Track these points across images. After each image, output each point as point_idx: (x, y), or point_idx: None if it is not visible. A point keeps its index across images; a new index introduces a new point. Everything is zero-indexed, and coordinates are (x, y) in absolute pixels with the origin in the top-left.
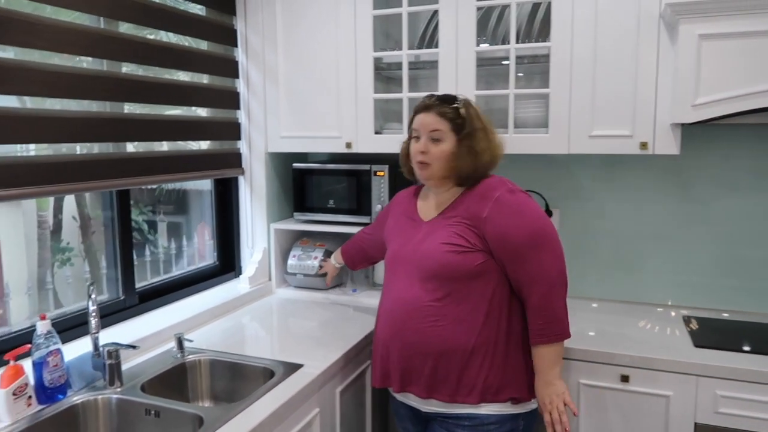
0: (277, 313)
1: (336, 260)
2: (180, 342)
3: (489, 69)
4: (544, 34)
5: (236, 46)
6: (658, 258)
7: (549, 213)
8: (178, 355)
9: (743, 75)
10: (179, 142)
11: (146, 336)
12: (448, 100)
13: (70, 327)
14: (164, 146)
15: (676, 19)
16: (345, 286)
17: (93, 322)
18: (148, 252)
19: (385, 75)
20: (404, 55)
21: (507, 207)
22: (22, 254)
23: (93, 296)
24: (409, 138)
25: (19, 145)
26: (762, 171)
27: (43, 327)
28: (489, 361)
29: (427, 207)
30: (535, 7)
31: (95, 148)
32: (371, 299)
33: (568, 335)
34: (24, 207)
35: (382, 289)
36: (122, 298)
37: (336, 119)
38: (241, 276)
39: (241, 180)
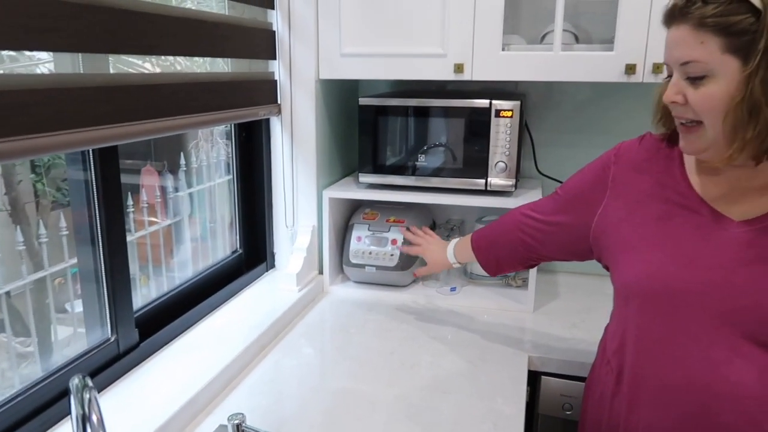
0: (347, 335)
1: (456, 255)
2: None
3: None
4: None
5: None
6: None
7: None
8: None
9: None
10: (164, 62)
11: (168, 420)
12: None
13: None
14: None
15: None
16: (436, 279)
17: None
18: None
19: None
20: None
21: None
22: None
23: None
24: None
25: None
26: None
27: None
28: None
29: (726, 187)
30: None
31: (45, 65)
32: (477, 301)
33: None
34: None
35: (630, 339)
36: (112, 339)
37: (439, 27)
38: (276, 270)
39: (275, 123)
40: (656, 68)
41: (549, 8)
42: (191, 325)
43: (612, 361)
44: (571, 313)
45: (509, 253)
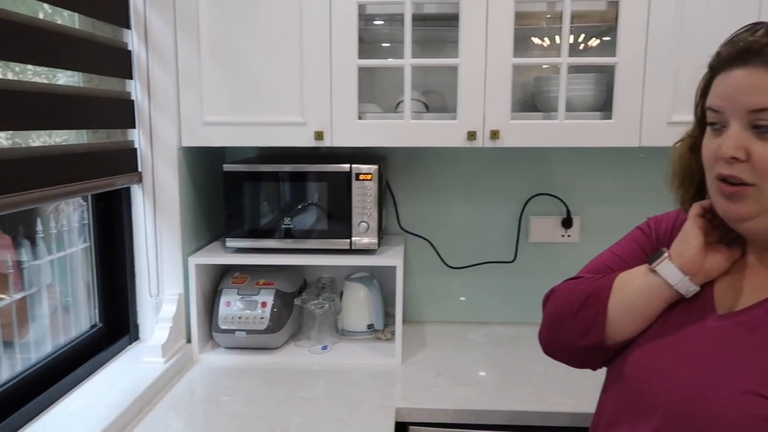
0: (217, 404)
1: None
2: None
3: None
4: None
5: None
6: None
7: (569, 222)
8: None
9: None
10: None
11: None
12: None
13: None
14: None
15: None
16: (308, 338)
17: None
18: None
19: (372, 34)
20: (407, 2)
21: None
22: None
23: None
24: (697, 128)
25: None
26: None
27: None
28: None
29: (736, 282)
30: None
31: None
32: (348, 357)
33: None
34: None
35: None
36: None
37: (298, 97)
38: (141, 343)
39: (137, 191)
40: (493, 135)
41: (402, 80)
42: (40, 412)
43: None
44: (438, 362)
45: None
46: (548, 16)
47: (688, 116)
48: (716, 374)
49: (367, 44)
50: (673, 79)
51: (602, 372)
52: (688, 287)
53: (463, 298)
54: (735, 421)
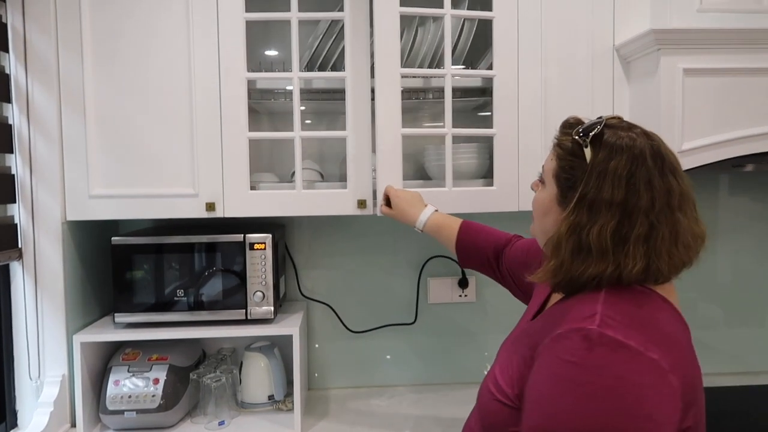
0: None
1: (427, 223)
2: None
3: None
4: (474, 60)
5: (6, 50)
6: None
7: (465, 282)
8: None
9: (731, 117)
10: None
11: None
12: (578, 124)
13: None
14: None
15: (654, 51)
16: (204, 414)
17: None
18: None
19: (264, 106)
20: (295, 78)
21: (553, 362)
22: None
23: None
24: None
25: None
26: None
27: None
28: None
29: (551, 303)
30: (468, 24)
31: None
32: (250, 429)
33: None
34: None
35: None
36: None
37: (189, 169)
38: (20, 430)
39: (16, 268)
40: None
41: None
42: None
43: None
44: (338, 431)
45: (484, 245)
46: (436, 91)
47: None
48: (498, 360)
49: (267, 115)
50: (542, 149)
51: None
52: None
53: (389, 357)
54: (485, 396)
